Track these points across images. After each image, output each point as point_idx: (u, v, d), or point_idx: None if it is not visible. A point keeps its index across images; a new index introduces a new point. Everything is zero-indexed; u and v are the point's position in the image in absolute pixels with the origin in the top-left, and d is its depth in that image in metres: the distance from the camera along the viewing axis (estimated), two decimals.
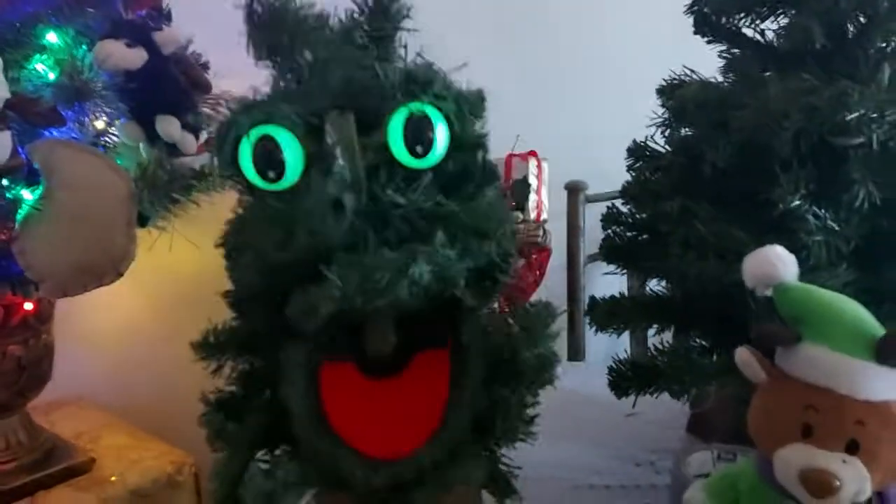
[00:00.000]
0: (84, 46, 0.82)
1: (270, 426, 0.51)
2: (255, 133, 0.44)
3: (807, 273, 0.51)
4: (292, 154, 0.44)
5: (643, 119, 0.85)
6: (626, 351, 1.25)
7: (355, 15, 0.49)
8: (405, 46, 0.50)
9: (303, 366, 0.48)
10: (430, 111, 0.45)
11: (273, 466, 0.48)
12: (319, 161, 0.44)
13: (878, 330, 0.45)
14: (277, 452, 0.52)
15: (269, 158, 0.44)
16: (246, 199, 0.49)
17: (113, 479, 0.93)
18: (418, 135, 0.45)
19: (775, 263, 0.48)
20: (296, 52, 0.47)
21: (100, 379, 1.20)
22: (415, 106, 0.44)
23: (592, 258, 1.43)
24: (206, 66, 0.98)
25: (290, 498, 0.48)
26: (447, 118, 0.45)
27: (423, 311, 0.45)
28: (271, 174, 0.44)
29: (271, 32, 0.48)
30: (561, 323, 0.59)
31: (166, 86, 0.87)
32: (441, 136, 0.45)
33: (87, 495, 0.89)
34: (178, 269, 1.19)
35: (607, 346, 1.17)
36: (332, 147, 0.43)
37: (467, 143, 0.47)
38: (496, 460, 0.56)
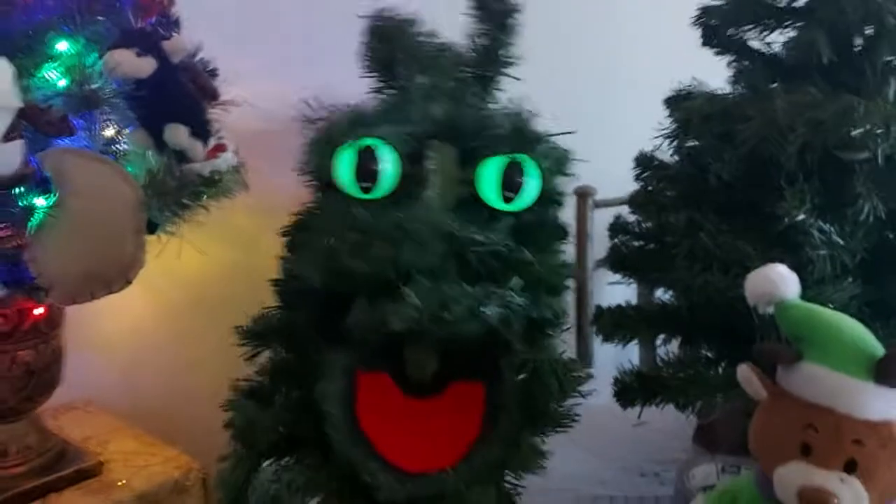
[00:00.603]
0: (94, 55, 0.82)
1: (289, 427, 0.51)
2: (363, 142, 0.45)
3: (812, 287, 0.51)
4: (389, 170, 0.45)
5: (655, 124, 0.85)
6: (630, 361, 1.26)
7: (467, 51, 0.50)
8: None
9: (343, 368, 0.49)
10: (529, 164, 0.46)
11: (279, 472, 0.49)
12: (414, 184, 0.45)
13: (878, 350, 0.45)
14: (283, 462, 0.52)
15: (368, 169, 0.45)
16: (317, 198, 0.50)
17: (120, 483, 0.94)
18: (513, 182, 0.47)
19: (776, 282, 0.48)
20: (410, 74, 0.48)
21: (108, 383, 1.22)
22: (518, 157, 0.45)
23: (601, 263, 1.43)
24: (214, 73, 0.99)
25: (297, 502, 0.49)
26: (541, 175, 0.46)
27: (468, 344, 0.46)
28: (366, 184, 0.45)
29: (391, 49, 0.49)
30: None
31: (175, 94, 0.88)
32: (532, 188, 0.46)
33: (97, 499, 0.90)
34: (185, 275, 1.20)
35: (616, 353, 1.17)
36: (429, 174, 0.44)
37: (549, 199, 0.49)
38: (501, 478, 0.56)
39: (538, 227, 0.49)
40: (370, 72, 0.51)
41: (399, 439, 0.48)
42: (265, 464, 0.52)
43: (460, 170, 0.46)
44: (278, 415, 0.50)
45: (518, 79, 0.53)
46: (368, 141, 0.45)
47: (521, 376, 0.50)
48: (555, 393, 0.49)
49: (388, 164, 0.46)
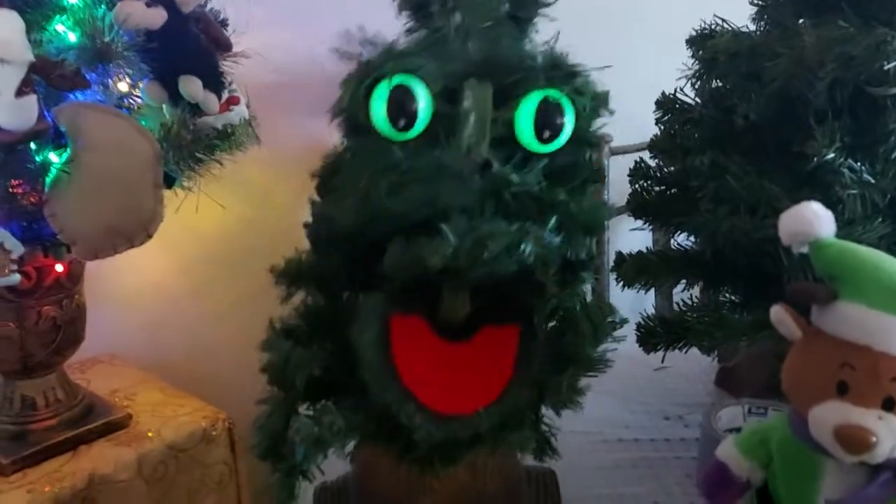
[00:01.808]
0: (103, 6, 0.81)
1: (324, 370, 0.51)
2: (397, 80, 0.44)
3: (842, 227, 0.50)
4: (424, 109, 0.44)
5: (670, 70, 0.83)
6: (645, 310, 1.26)
7: None
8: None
9: (379, 313, 0.48)
10: (565, 102, 0.45)
11: (318, 413, 0.49)
12: (450, 123, 0.44)
13: None
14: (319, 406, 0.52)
15: (403, 107, 0.44)
16: (348, 141, 0.49)
17: (150, 434, 0.95)
18: (549, 121, 0.45)
19: (812, 220, 0.47)
20: (446, 12, 0.47)
21: (131, 337, 1.23)
22: (553, 93, 0.45)
23: (617, 211, 1.41)
24: (224, 23, 0.97)
25: (338, 443, 0.49)
26: (577, 112, 0.45)
27: (501, 286, 0.45)
28: (402, 122, 0.45)
29: None
30: None
31: (187, 45, 0.86)
32: (568, 127, 0.46)
33: (127, 450, 0.92)
34: (204, 229, 1.20)
35: (632, 301, 1.17)
36: (466, 113, 0.43)
37: (584, 140, 0.48)
38: (539, 421, 0.56)
39: (572, 168, 0.48)
40: (403, 10, 0.50)
41: (434, 382, 0.48)
42: (302, 408, 0.52)
43: (496, 110, 0.45)
44: (315, 354, 0.50)
45: (554, 19, 0.51)
46: (403, 78, 0.44)
47: (554, 321, 0.50)
48: (588, 337, 0.49)
49: (423, 103, 0.44)
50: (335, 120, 0.49)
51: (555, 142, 0.46)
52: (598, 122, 0.48)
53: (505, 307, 0.49)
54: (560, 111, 0.45)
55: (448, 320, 0.49)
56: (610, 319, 0.49)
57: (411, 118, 0.45)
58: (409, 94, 0.44)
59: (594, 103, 0.47)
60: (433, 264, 0.41)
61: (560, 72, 0.45)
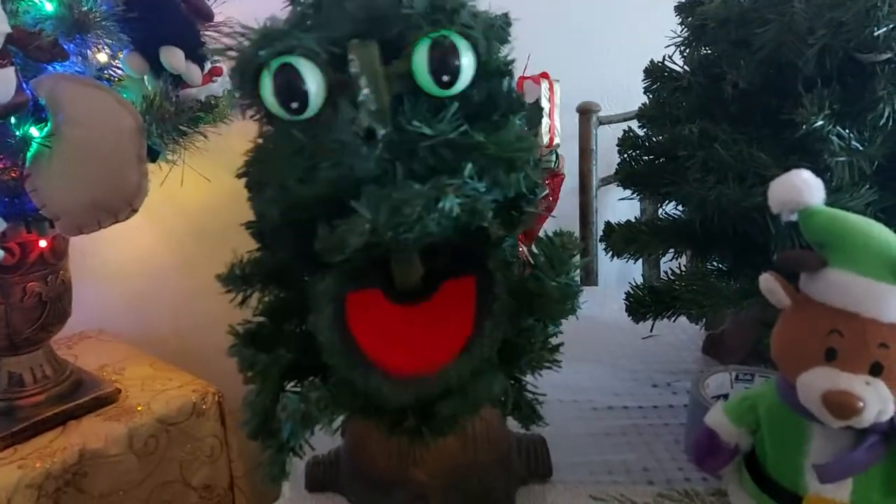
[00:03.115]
0: None
1: (300, 357, 0.51)
2: (276, 63, 0.42)
3: (830, 194, 0.50)
4: (314, 84, 0.43)
5: (657, 38, 0.82)
6: (641, 276, 1.26)
7: None
8: None
9: (330, 296, 0.48)
10: (457, 39, 0.43)
11: (306, 390, 0.49)
12: (343, 91, 0.42)
13: None
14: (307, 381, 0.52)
15: (290, 89, 0.43)
16: (266, 130, 0.48)
17: (139, 408, 0.96)
18: (445, 64, 0.43)
19: (801, 188, 0.47)
20: None
21: (118, 312, 1.22)
22: (441, 34, 0.42)
23: (605, 181, 1.42)
24: None
25: (325, 419, 0.49)
26: (474, 46, 0.43)
27: (449, 241, 0.45)
28: (294, 105, 0.43)
29: None
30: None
31: (167, 15, 0.84)
32: (468, 64, 0.43)
33: (117, 424, 0.92)
34: (188, 202, 1.19)
35: (619, 270, 1.18)
36: (355, 76, 0.42)
37: (493, 71, 0.46)
38: (521, 388, 0.56)
39: (488, 103, 0.46)
40: None
41: (396, 347, 0.48)
42: (289, 385, 0.52)
43: (390, 64, 0.43)
44: (279, 358, 0.50)
45: None
46: (284, 59, 0.42)
47: (507, 265, 0.49)
48: (545, 269, 0.47)
49: (312, 79, 0.43)
50: (247, 114, 0.47)
51: (457, 83, 0.44)
52: (503, 49, 0.46)
53: (460, 261, 0.48)
54: (454, 51, 0.43)
55: (404, 286, 0.49)
56: (567, 247, 0.48)
57: (303, 98, 0.43)
58: (293, 74, 0.42)
59: (491, 31, 0.44)
60: (355, 243, 0.41)
61: (441, 12, 0.43)
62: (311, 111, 0.43)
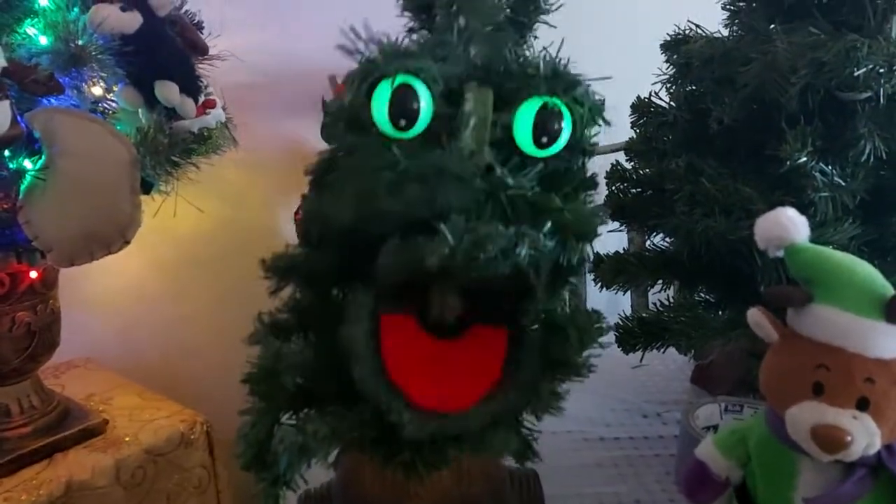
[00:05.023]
0: (76, 9, 0.80)
1: (309, 375, 0.51)
2: (400, 79, 0.44)
3: (814, 229, 0.51)
4: (425, 109, 0.45)
5: (643, 72, 0.84)
6: (630, 306, 1.27)
7: None
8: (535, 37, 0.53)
9: (369, 309, 0.49)
10: (564, 109, 0.46)
11: (302, 422, 0.49)
12: (449, 125, 0.44)
13: (889, 290, 0.46)
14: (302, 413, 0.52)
15: (405, 106, 0.45)
16: (346, 138, 0.50)
17: (127, 439, 0.95)
18: (548, 127, 0.46)
19: (787, 225, 0.49)
20: (450, 15, 0.47)
21: (107, 341, 1.22)
22: (553, 100, 0.45)
23: None
24: (200, 26, 0.97)
25: (322, 451, 0.49)
26: (574, 120, 0.46)
27: (491, 288, 0.46)
28: (402, 122, 0.45)
29: None
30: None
31: (163, 49, 0.85)
32: (565, 134, 0.46)
33: (104, 456, 0.91)
34: (180, 231, 1.19)
35: (608, 300, 1.19)
36: (466, 115, 0.44)
37: (579, 147, 0.48)
38: (520, 424, 0.57)
39: (566, 174, 0.49)
40: (406, 11, 0.50)
41: (422, 379, 0.49)
42: (285, 417, 0.52)
43: (495, 113, 0.46)
44: (304, 353, 0.50)
45: (555, 26, 0.52)
46: (406, 78, 0.44)
47: (536, 325, 0.50)
48: (574, 343, 0.49)
49: (425, 103, 0.45)
50: (328, 118, 0.49)
51: (552, 147, 0.47)
52: (592, 131, 0.49)
53: (494, 308, 0.49)
54: (559, 118, 0.46)
55: (439, 319, 0.49)
56: (597, 325, 0.50)
57: (412, 118, 0.45)
58: (411, 93, 0.45)
59: (591, 113, 0.47)
60: (430, 264, 0.42)
61: (561, 80, 0.46)
62: (413, 132, 0.45)
